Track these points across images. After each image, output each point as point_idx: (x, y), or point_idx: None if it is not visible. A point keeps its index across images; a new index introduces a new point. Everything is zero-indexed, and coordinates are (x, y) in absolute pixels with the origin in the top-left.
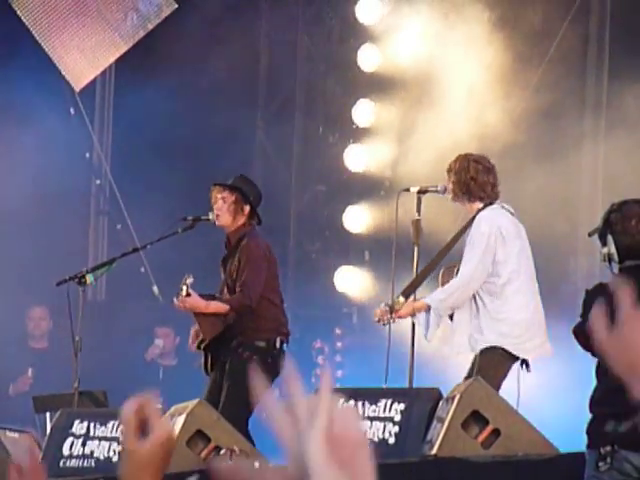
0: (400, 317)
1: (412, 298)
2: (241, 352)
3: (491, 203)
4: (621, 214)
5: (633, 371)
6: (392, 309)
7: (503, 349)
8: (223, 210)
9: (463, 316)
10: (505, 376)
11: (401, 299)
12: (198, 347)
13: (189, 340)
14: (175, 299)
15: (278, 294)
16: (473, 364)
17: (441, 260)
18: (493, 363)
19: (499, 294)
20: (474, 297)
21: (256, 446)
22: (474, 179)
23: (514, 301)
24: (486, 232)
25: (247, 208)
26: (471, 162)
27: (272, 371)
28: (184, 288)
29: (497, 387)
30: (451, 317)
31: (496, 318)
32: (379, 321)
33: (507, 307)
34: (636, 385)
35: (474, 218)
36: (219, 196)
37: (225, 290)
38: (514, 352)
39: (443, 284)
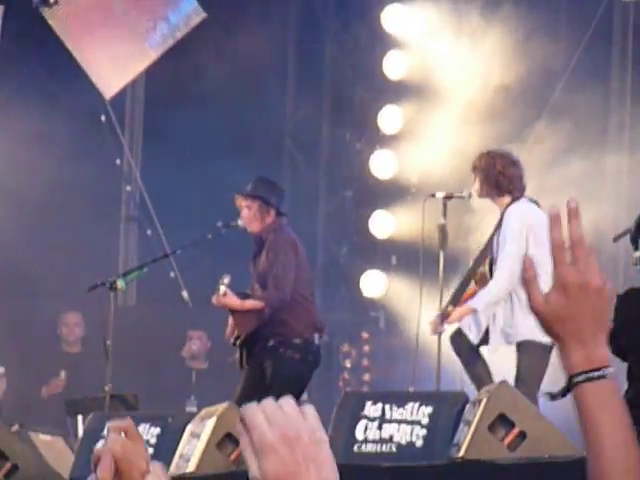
0: (449, 323)
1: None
2: (282, 352)
3: (519, 197)
4: None
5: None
6: (444, 317)
7: (539, 342)
8: (250, 218)
9: (497, 311)
10: (546, 368)
11: (450, 308)
12: (234, 344)
13: (227, 331)
14: (213, 298)
15: (309, 287)
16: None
17: (481, 263)
18: (535, 359)
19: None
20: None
21: None
22: (502, 173)
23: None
24: (517, 227)
25: (272, 210)
26: (497, 157)
27: (313, 367)
28: (222, 288)
29: (540, 381)
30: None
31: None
32: (434, 332)
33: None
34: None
35: (503, 214)
36: (243, 204)
37: (256, 287)
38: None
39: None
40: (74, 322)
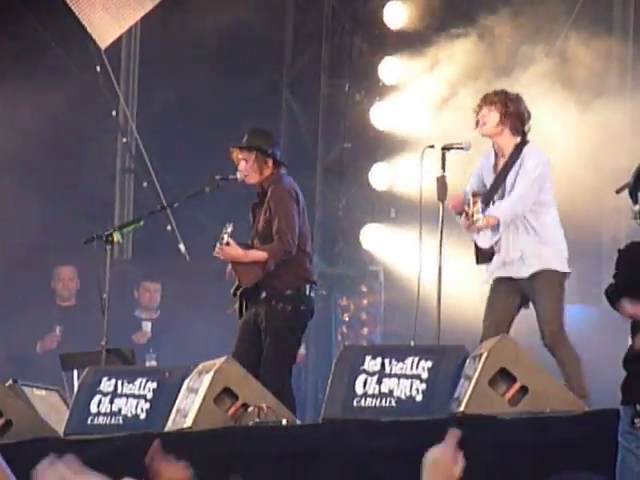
0: (478, 228)
1: None
2: (274, 304)
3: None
4: None
5: None
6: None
7: (554, 270)
8: (248, 170)
9: (510, 237)
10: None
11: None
12: (234, 294)
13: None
14: (216, 248)
15: (307, 240)
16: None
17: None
18: (551, 285)
19: (542, 220)
20: (520, 222)
21: (295, 400)
22: (520, 112)
23: (555, 230)
24: (540, 162)
25: (270, 160)
26: (519, 97)
27: (307, 318)
28: (225, 237)
29: (562, 308)
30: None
31: (541, 242)
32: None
33: (550, 233)
34: None
35: (518, 151)
36: (240, 157)
37: (256, 238)
38: (562, 269)
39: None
40: (68, 277)
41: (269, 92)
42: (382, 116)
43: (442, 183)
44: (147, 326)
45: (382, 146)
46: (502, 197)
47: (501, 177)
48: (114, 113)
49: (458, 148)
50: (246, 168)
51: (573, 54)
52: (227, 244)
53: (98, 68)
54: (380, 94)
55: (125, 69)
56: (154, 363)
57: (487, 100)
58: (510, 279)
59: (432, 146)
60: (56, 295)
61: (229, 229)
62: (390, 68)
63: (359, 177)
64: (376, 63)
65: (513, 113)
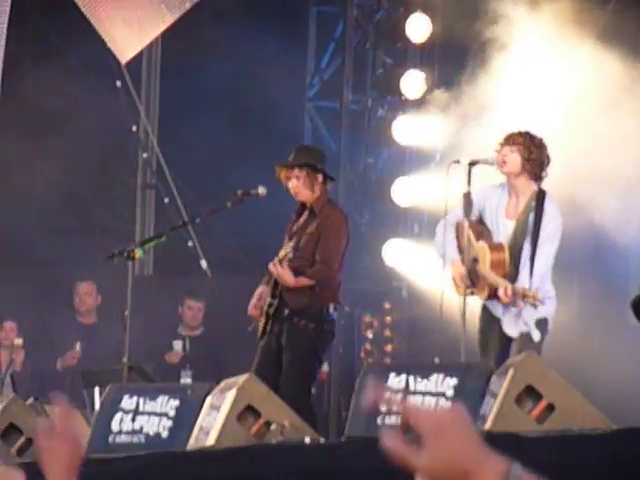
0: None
1: None
2: (296, 322)
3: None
4: None
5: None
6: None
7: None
8: (300, 187)
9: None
10: None
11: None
12: (267, 312)
13: (251, 302)
14: (274, 263)
15: (342, 264)
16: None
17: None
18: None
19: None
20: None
21: (317, 417)
22: (542, 160)
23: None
24: (560, 227)
25: (320, 176)
26: (543, 142)
27: (329, 338)
28: (284, 253)
29: None
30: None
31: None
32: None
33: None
34: None
35: (540, 200)
36: (291, 175)
37: (292, 253)
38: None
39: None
40: (85, 292)
41: (292, 107)
42: (405, 131)
43: (468, 199)
44: (178, 345)
45: (405, 161)
46: (533, 243)
47: (523, 223)
48: (134, 128)
49: (484, 163)
50: (297, 185)
51: None
52: (280, 263)
53: (118, 83)
54: (403, 108)
55: (146, 84)
56: (189, 380)
57: (510, 140)
58: None
59: (458, 161)
60: (76, 311)
61: (291, 246)
62: (413, 82)
63: (382, 193)
64: (399, 77)
65: (535, 160)
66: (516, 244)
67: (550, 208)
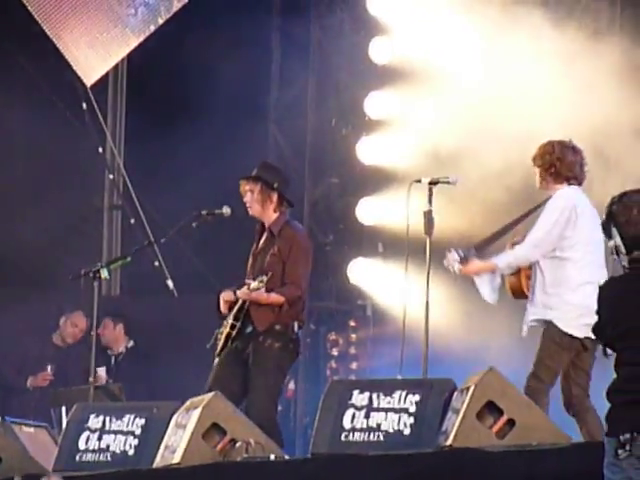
0: (466, 273)
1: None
2: (262, 340)
3: (575, 184)
4: (622, 205)
5: None
6: (463, 260)
7: (559, 329)
8: (252, 201)
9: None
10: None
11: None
12: (228, 333)
13: (221, 306)
14: (242, 290)
15: (307, 282)
16: None
17: (514, 226)
18: (548, 340)
19: (558, 270)
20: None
21: (282, 435)
22: (560, 159)
23: (570, 281)
24: (561, 205)
25: (274, 195)
26: (556, 144)
27: (293, 356)
28: (257, 284)
29: (554, 376)
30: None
31: (546, 292)
32: (447, 265)
33: (563, 286)
34: None
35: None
36: (247, 188)
37: (255, 274)
38: (563, 328)
39: None
40: (80, 327)
41: (256, 127)
42: (369, 151)
43: (429, 218)
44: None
45: (369, 181)
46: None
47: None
48: (100, 150)
49: (445, 182)
50: (250, 199)
51: None
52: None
53: (84, 105)
54: (366, 129)
55: (112, 106)
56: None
57: (532, 158)
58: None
59: (419, 180)
60: (56, 334)
61: (265, 278)
62: (376, 103)
63: (346, 212)
64: (362, 98)
65: (548, 161)
66: None
67: (555, 195)
